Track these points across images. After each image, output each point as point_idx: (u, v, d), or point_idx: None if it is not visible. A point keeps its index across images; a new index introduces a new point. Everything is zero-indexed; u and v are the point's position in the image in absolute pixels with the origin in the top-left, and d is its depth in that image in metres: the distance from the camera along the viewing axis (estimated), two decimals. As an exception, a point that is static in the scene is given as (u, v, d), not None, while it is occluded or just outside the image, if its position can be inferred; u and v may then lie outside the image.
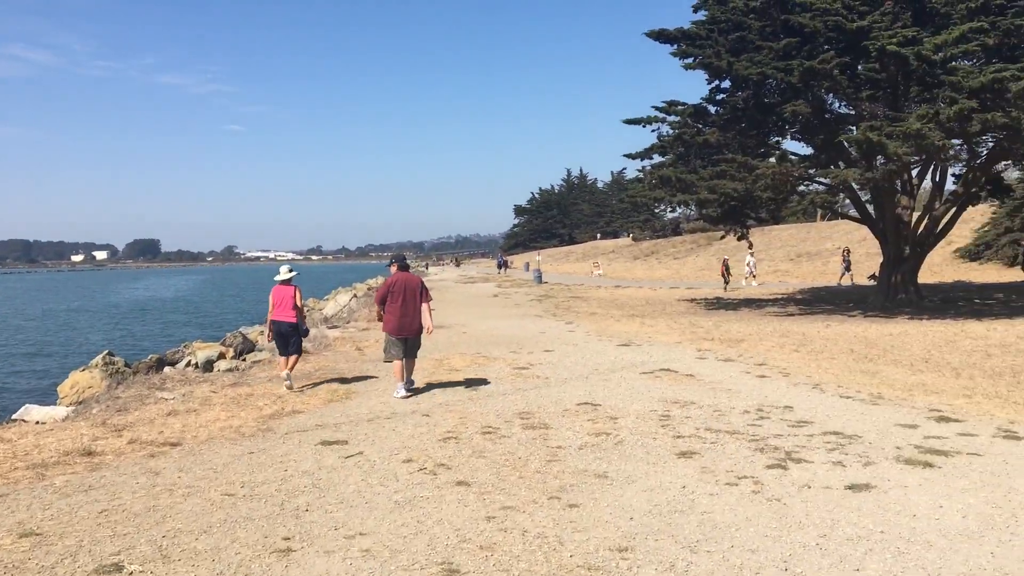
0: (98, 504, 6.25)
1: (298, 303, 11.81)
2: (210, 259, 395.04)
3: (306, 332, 12.43)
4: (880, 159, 22.40)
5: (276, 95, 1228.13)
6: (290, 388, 11.62)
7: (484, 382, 12.02)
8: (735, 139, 25.76)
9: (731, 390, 11.02)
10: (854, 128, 23.99)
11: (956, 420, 8.82)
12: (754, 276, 39.65)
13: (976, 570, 4.72)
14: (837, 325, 20.03)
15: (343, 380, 12.50)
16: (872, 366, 13.11)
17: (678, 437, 8.21)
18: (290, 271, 12.04)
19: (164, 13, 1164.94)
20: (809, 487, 6.41)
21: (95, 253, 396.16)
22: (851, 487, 6.37)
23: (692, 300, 30.75)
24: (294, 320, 11.74)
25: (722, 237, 33.88)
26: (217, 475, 7.11)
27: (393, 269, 11.61)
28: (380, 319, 11.50)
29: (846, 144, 24.13)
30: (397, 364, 11.23)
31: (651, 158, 28.97)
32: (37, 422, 15.05)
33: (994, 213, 42.08)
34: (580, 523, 5.67)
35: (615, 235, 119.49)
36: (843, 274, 36.23)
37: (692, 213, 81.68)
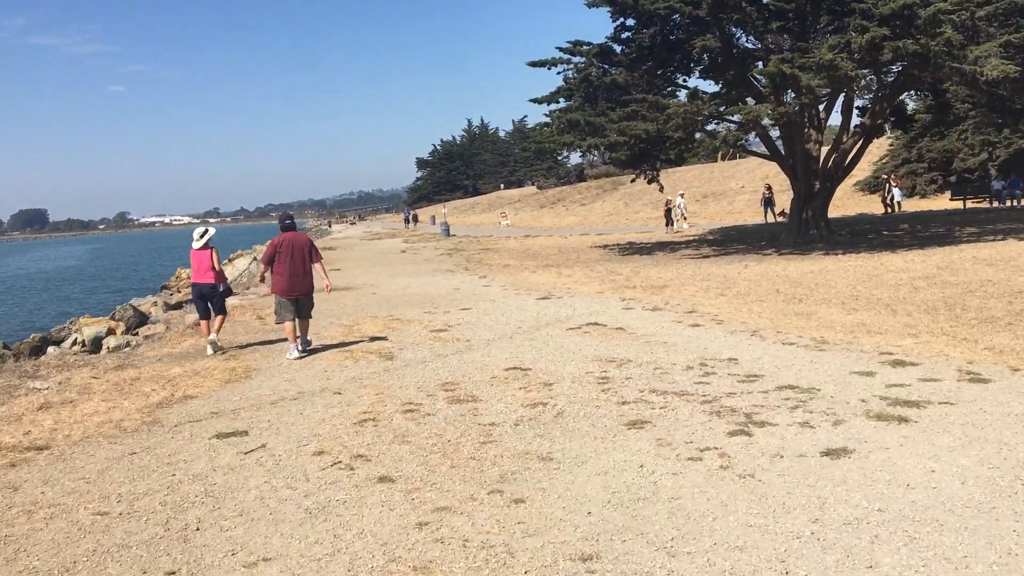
0: (-68, 541, 5.05)
1: (216, 265, 11.76)
2: (102, 227, 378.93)
3: (228, 291, 12.38)
4: (791, 93, 22.01)
5: (156, 51, 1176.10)
6: (217, 351, 11.52)
7: (400, 349, 11.00)
8: (642, 79, 25.00)
9: (667, 343, 10.28)
10: (762, 63, 23.52)
11: (912, 364, 8.25)
12: (685, 218, 38.81)
13: (1007, 556, 4.01)
14: (755, 265, 19.65)
15: (241, 354, 11.31)
16: (804, 307, 12.60)
17: (623, 403, 7.38)
18: (204, 234, 11.85)
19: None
20: (781, 456, 5.65)
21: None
22: (827, 453, 5.65)
23: (604, 247, 30.17)
24: (213, 281, 11.70)
25: (632, 180, 33.30)
26: (90, 486, 5.94)
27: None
28: (262, 279, 11.71)
29: (756, 79, 23.67)
30: (288, 325, 11.05)
31: (557, 102, 28.04)
32: None
33: (891, 145, 42.82)
34: (530, 524, 4.77)
35: (519, 184, 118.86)
36: (766, 212, 35.55)
37: (596, 159, 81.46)
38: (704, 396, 7.45)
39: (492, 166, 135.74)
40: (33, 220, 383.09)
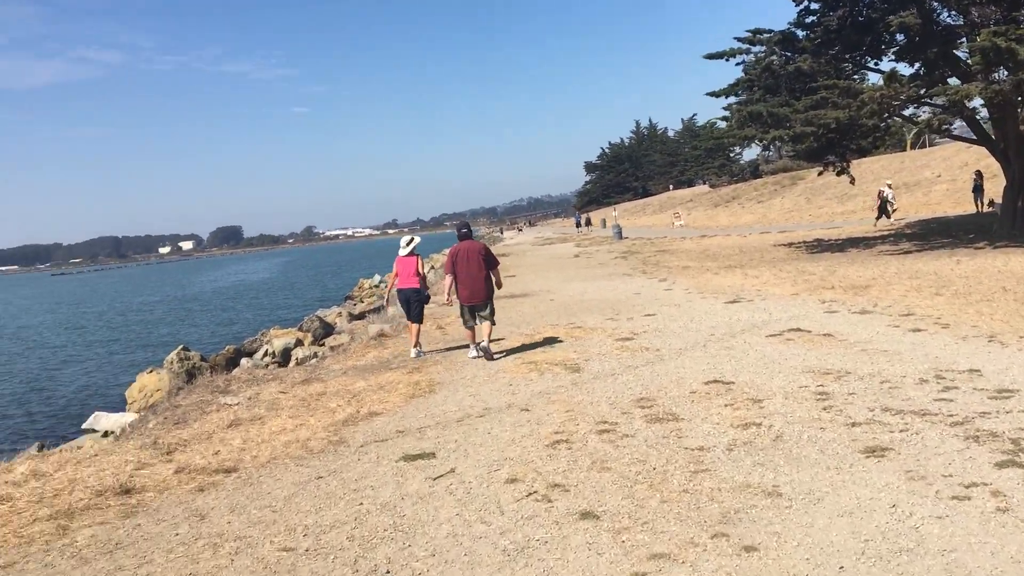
0: (120, 575, 4.83)
1: (421, 271, 12.44)
2: (291, 241, 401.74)
3: (427, 298, 12.72)
4: (1003, 70, 19.81)
5: (335, 73, 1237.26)
6: (419, 356, 12.05)
7: (586, 360, 10.36)
8: (829, 65, 23.37)
9: (888, 352, 9.12)
10: (967, 38, 21.33)
11: None
12: (894, 210, 35.50)
13: None
14: (968, 260, 17.72)
15: (424, 366, 11.02)
16: (1044, 307, 11.01)
17: (852, 425, 6.41)
18: (410, 242, 12.62)
19: (224, 2, 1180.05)
20: (1075, 497, 4.59)
21: (181, 244, 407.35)
22: None
23: (790, 244, 28.44)
24: (418, 286, 12.31)
25: (820, 173, 31.27)
26: (276, 516, 5.63)
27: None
28: (450, 294, 11.65)
29: (961, 57, 21.55)
30: (468, 333, 11.67)
31: (736, 95, 26.76)
32: (105, 433, 14.08)
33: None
34: (770, 580, 3.99)
35: (690, 184, 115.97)
36: (977, 200, 32.04)
37: (772, 154, 78.07)
38: (951, 416, 6.36)
39: (661, 166, 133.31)
40: (229, 236, 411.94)
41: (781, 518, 4.73)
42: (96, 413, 14.59)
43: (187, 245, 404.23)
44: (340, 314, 27.90)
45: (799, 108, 22.24)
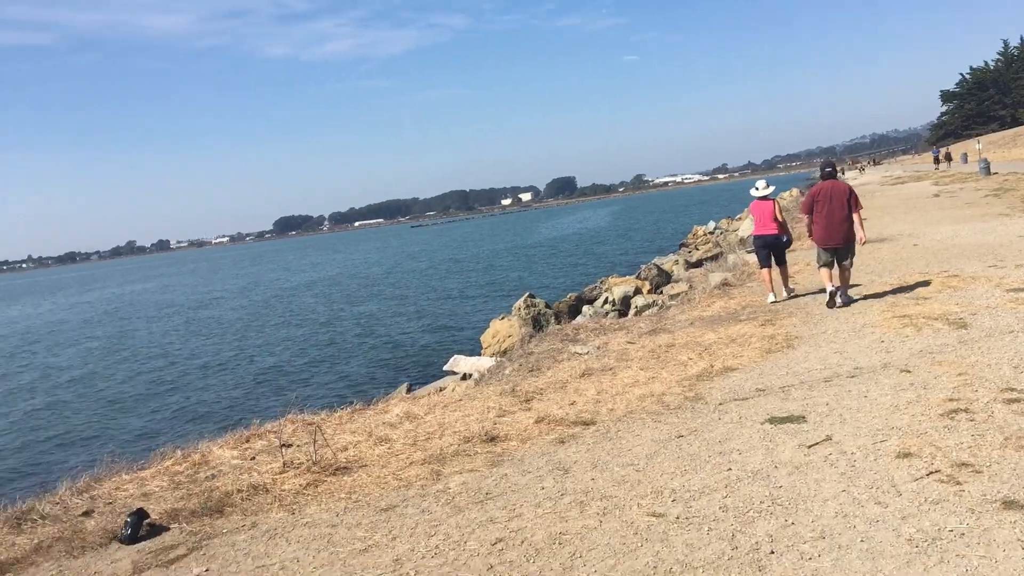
0: (493, 527, 4.84)
1: (778, 216, 11.90)
2: (621, 189, 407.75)
3: (789, 242, 12.21)
4: None
5: (666, 17, 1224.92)
6: (789, 296, 11.88)
7: (971, 314, 9.03)
8: None
9: None
10: None
11: None
12: None
13: None
14: None
15: (776, 318, 10.30)
16: None
17: None
18: (767, 186, 12.15)
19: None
20: None
21: (520, 196, 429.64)
22: None
23: None
24: (776, 232, 11.83)
25: None
26: (640, 476, 5.39)
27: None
28: (809, 231, 11.05)
29: None
30: (824, 271, 10.84)
31: None
32: (464, 376, 14.97)
33: None
34: None
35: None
36: None
37: None
38: None
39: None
40: (564, 187, 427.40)
41: None
42: (455, 356, 15.57)
43: (526, 196, 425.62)
44: (677, 262, 27.53)
45: None
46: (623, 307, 19.94)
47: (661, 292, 21.05)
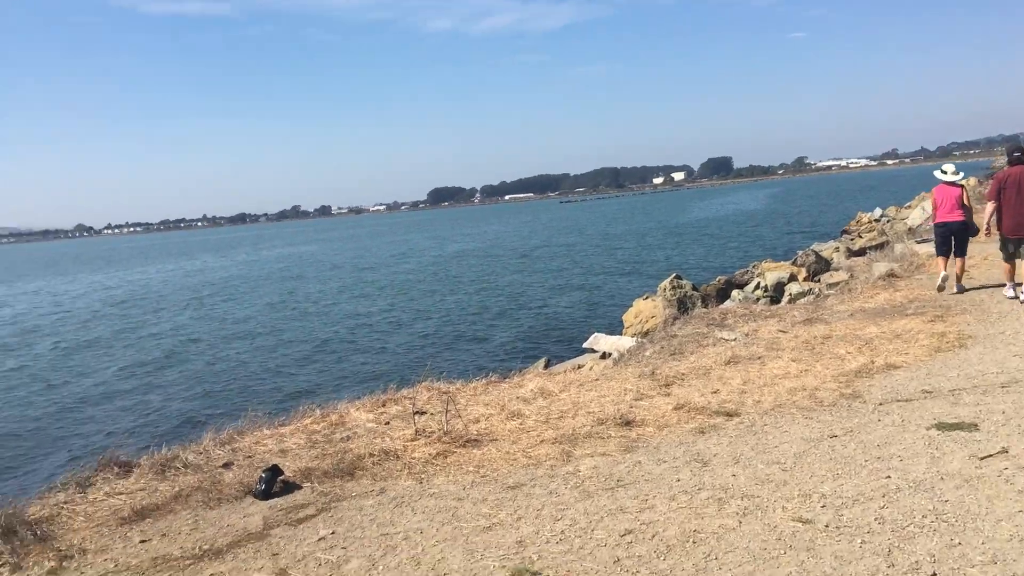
0: (622, 517, 4.57)
1: (965, 202, 11.31)
2: (780, 172, 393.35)
3: (975, 231, 11.48)
4: None
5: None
6: (942, 290, 11.09)
7: None
8: None
9: None
10: None
11: None
12: None
13: None
14: None
15: (947, 314, 9.47)
16: None
17: None
18: (956, 171, 11.55)
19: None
20: None
21: (673, 175, 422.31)
22: None
23: None
24: (962, 219, 11.22)
25: None
26: (787, 476, 4.98)
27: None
28: (987, 229, 10.46)
29: None
30: (1006, 267, 10.41)
31: None
32: (603, 355, 14.68)
33: None
34: None
35: None
36: None
37: None
38: None
39: None
40: (719, 167, 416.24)
41: None
42: (595, 334, 15.25)
43: (678, 176, 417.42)
44: (837, 249, 26.16)
45: None
46: (776, 293, 19.08)
47: (818, 280, 20.00)
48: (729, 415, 6.42)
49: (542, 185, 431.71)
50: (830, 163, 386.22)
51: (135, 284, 54.46)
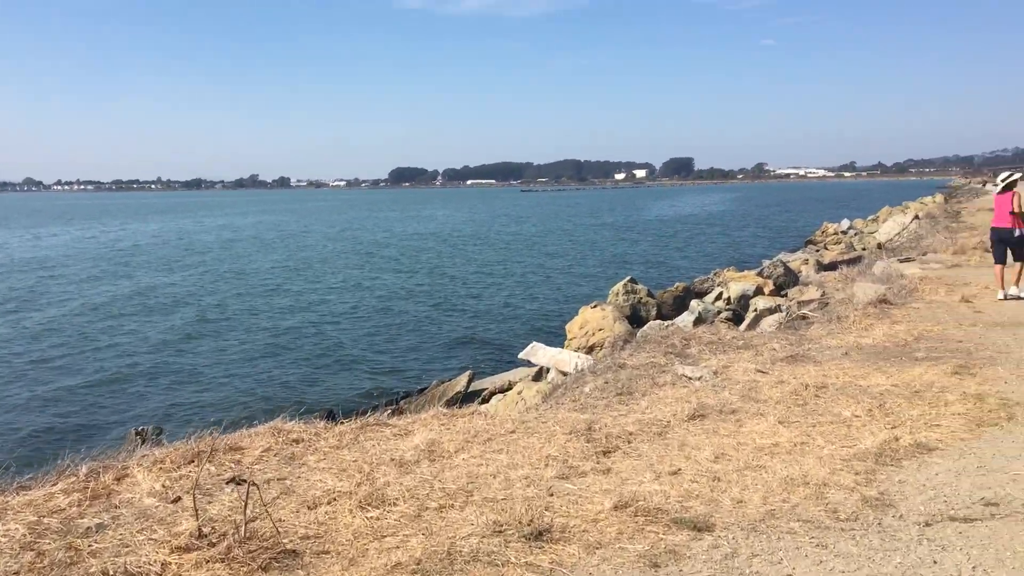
0: None
1: (1018, 208, 11.10)
2: (740, 176, 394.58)
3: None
4: None
5: (812, 3, 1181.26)
6: (1005, 298, 10.98)
7: None
8: None
9: None
10: None
11: None
12: None
13: None
14: None
15: (974, 364, 7.33)
16: None
17: None
18: (1007, 178, 11.49)
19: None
20: None
21: (635, 172, 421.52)
22: None
23: None
24: (1010, 225, 11.13)
25: None
26: None
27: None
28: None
29: None
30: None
31: None
32: (538, 372, 12.40)
33: None
34: None
35: None
36: None
37: None
38: None
39: None
40: (680, 168, 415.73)
41: None
42: (534, 343, 13.00)
43: (640, 173, 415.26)
44: (806, 261, 24.18)
45: None
46: (740, 307, 16.96)
47: (785, 295, 17.97)
48: (697, 529, 4.12)
49: (505, 172, 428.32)
50: (789, 171, 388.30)
51: None
